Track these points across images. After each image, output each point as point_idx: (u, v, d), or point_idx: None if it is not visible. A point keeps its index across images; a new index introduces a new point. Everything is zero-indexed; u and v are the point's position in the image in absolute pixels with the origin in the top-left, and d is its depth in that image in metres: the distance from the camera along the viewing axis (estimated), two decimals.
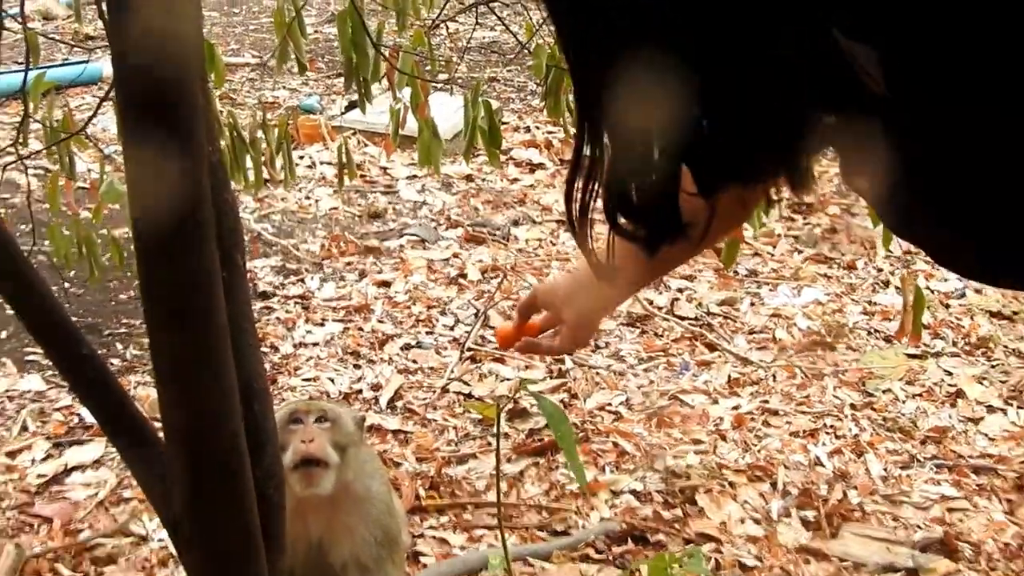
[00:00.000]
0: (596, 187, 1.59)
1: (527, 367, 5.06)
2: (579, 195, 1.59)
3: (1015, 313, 5.46)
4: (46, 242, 4.00)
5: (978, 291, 5.68)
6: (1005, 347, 5.19)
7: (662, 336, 5.30)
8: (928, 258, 1.78)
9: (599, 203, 1.61)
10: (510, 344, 2.42)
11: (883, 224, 1.73)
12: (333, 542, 3.24)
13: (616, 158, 1.57)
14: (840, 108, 1.50)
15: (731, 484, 4.24)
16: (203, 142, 1.68)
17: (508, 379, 4.95)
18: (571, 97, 3.56)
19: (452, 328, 5.43)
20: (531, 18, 5.17)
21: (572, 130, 3.16)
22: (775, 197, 1.88)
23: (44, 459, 4.47)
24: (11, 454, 4.49)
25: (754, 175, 1.69)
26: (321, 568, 3.27)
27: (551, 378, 4.98)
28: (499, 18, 4.16)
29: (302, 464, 2.99)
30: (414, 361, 5.15)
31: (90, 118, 3.75)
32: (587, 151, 1.57)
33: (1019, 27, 1.21)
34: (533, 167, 7.43)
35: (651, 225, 1.65)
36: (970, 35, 1.25)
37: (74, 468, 4.40)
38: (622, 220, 1.62)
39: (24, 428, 4.66)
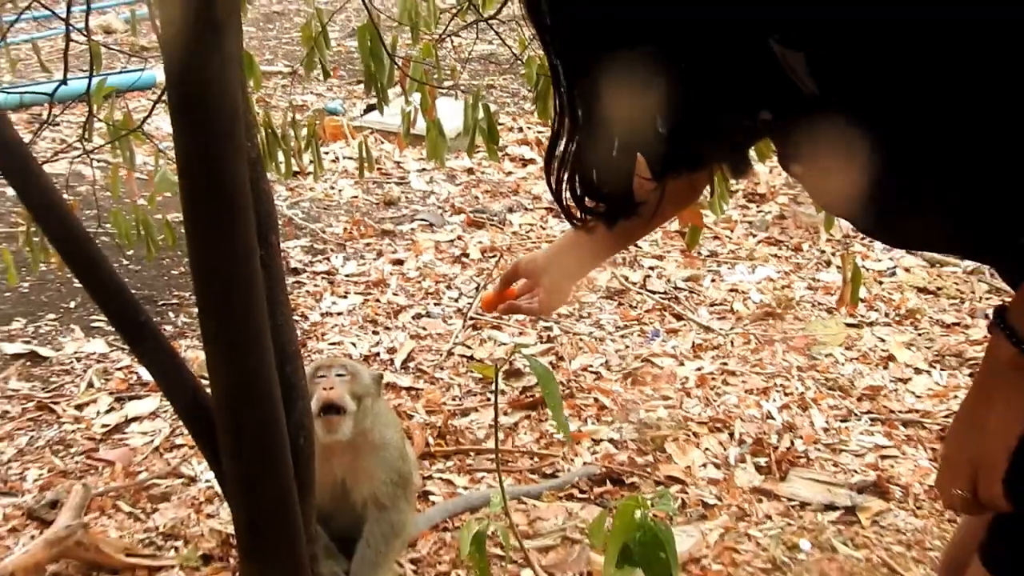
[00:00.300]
0: (566, 170, 1.72)
1: (521, 334, 5.06)
2: (555, 176, 1.74)
3: (939, 288, 5.47)
4: (108, 225, 3.98)
5: (907, 269, 5.69)
6: (930, 318, 5.19)
7: (636, 307, 5.30)
8: (860, 235, 1.87)
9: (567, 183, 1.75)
10: (492, 307, 2.49)
11: (816, 203, 1.79)
12: (354, 483, 3.25)
13: (583, 150, 1.69)
14: (776, 106, 1.58)
15: (695, 434, 4.24)
16: (242, 140, 1.67)
17: (504, 344, 4.95)
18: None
19: (456, 300, 5.42)
20: (524, 34, 5.16)
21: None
22: (730, 188, 2.00)
23: (107, 411, 4.46)
24: (79, 407, 4.49)
25: (699, 163, 1.87)
26: (344, 505, 3.28)
27: (541, 343, 4.99)
28: (496, 33, 4.15)
29: (324, 411, 3.01)
30: (424, 328, 5.15)
31: (145, 118, 3.73)
32: (562, 143, 1.70)
33: (901, 42, 1.32)
34: (525, 162, 7.43)
35: (609, 203, 1.79)
36: (876, 45, 1.34)
37: (133, 419, 4.40)
38: (587, 199, 1.76)
39: (90, 385, 4.66)
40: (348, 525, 3.31)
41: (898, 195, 1.51)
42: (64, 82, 3.47)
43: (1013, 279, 1.60)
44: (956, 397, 4.49)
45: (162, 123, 6.20)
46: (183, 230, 1.73)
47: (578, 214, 1.79)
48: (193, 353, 4.66)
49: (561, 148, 1.70)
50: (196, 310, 1.77)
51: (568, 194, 1.76)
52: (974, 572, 1.68)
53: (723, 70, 1.52)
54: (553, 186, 1.74)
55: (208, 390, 1.87)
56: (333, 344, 4.99)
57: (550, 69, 1.65)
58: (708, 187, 2.27)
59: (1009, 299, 1.53)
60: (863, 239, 6.05)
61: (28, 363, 4.83)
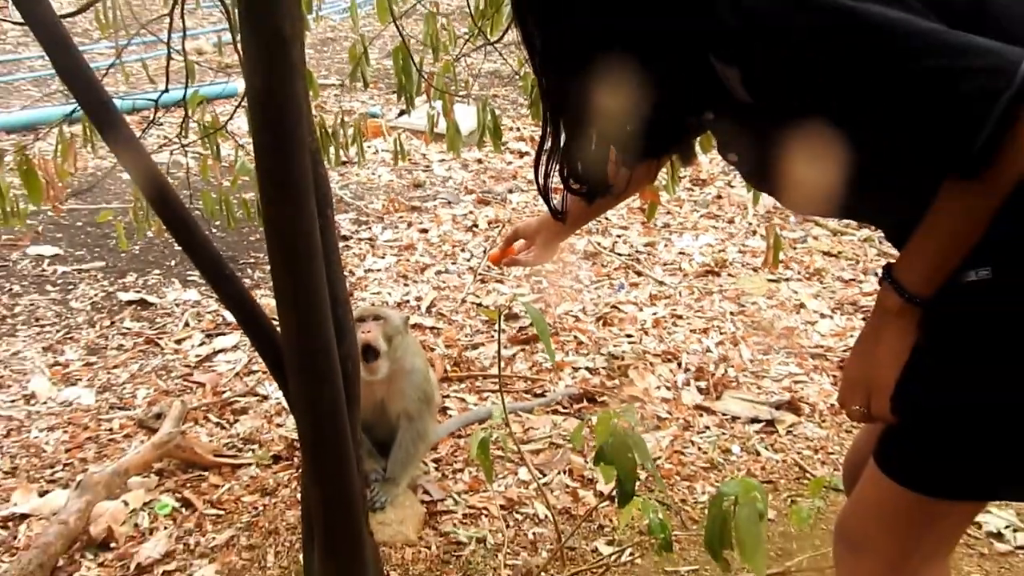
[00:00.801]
0: (554, 162, 1.78)
1: (518, 286, 5.06)
2: (543, 168, 1.80)
3: (839, 252, 5.46)
4: (199, 203, 3.97)
5: (815, 238, 5.68)
6: (832, 275, 5.19)
7: (606, 266, 5.29)
8: (779, 208, 1.95)
9: (556, 172, 1.81)
10: (497, 262, 2.55)
11: (747, 183, 1.82)
12: (390, 401, 3.27)
13: (569, 144, 1.74)
14: (716, 109, 1.65)
15: (651, 364, 4.24)
16: (305, 135, 1.67)
17: (505, 294, 4.95)
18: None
19: (469, 260, 5.41)
20: (521, 55, 5.14)
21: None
22: (680, 174, 2.08)
23: (200, 345, 4.47)
24: (178, 341, 4.49)
25: (659, 153, 1.93)
26: (383, 418, 3.31)
27: (533, 293, 4.98)
28: (500, 54, 4.13)
29: (364, 352, 3.03)
30: (443, 282, 5.15)
31: (228, 119, 3.72)
32: (549, 140, 1.76)
33: (805, 66, 1.42)
34: (522, 154, 7.40)
35: (590, 185, 1.83)
36: (785, 67, 1.45)
37: (219, 351, 4.41)
38: (572, 182, 1.83)
39: (186, 324, 4.66)
40: (385, 433, 3.33)
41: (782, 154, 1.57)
42: (166, 91, 3.45)
43: (898, 242, 1.62)
44: (852, 336, 4.49)
45: (241, 123, 6.16)
46: (256, 206, 1.73)
47: (555, 201, 1.90)
48: (266, 300, 4.66)
49: (548, 146, 1.76)
50: (269, 267, 1.77)
51: (555, 180, 1.82)
52: (869, 470, 1.69)
53: (676, 80, 1.59)
54: (540, 178, 1.81)
55: (277, 328, 1.87)
56: (374, 294, 4.99)
57: (538, 84, 1.71)
58: (663, 171, 2.33)
59: (894, 259, 1.57)
60: (782, 212, 6.04)
61: (139, 308, 4.83)
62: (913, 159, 1.47)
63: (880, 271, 1.57)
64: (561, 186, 1.88)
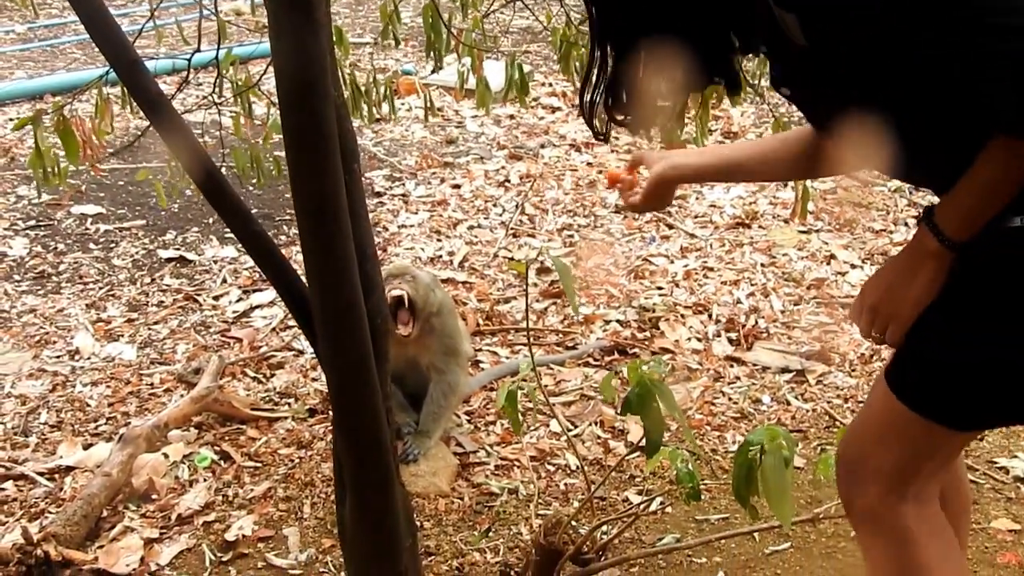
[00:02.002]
0: (600, 90, 1.71)
1: (549, 240, 5.03)
2: (588, 97, 1.73)
3: (870, 203, 5.38)
4: (232, 161, 3.97)
5: (846, 189, 5.60)
6: (863, 225, 5.12)
7: (637, 219, 5.25)
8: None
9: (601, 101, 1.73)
10: (613, 183, 2.17)
11: (805, 116, 1.78)
12: (420, 354, 3.27)
13: (616, 70, 1.68)
14: (771, 46, 1.63)
15: (682, 316, 4.21)
16: (330, 89, 1.64)
17: (536, 248, 4.92)
18: (576, 64, 3.50)
19: (500, 215, 5.38)
20: (551, 10, 5.07)
21: (579, 84, 3.09)
22: (707, 127, 2.01)
23: (237, 301, 4.48)
24: (216, 297, 4.51)
25: (707, 82, 1.75)
26: (414, 371, 3.30)
27: (565, 247, 4.95)
28: (531, 11, 4.08)
29: (394, 312, 3.07)
30: (476, 236, 5.12)
31: (260, 76, 3.70)
32: (595, 67, 1.70)
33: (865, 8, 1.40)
34: (554, 109, 7.34)
35: (634, 117, 1.74)
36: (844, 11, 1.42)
37: (256, 307, 4.42)
38: (616, 112, 1.74)
39: (224, 280, 4.67)
40: (417, 386, 3.33)
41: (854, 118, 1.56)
42: (197, 50, 3.44)
43: (940, 192, 1.62)
44: None
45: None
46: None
47: (602, 127, 1.76)
48: (300, 257, 4.67)
49: (594, 74, 1.70)
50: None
51: (599, 110, 1.74)
52: (877, 392, 1.71)
53: (733, 19, 1.60)
54: (585, 106, 1.74)
55: (307, 284, 1.86)
56: (407, 249, 4.97)
57: (589, 20, 1.67)
58: (692, 124, 2.23)
59: (936, 201, 1.59)
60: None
61: (178, 265, 4.85)
62: (970, 119, 1.45)
63: (923, 210, 1.58)
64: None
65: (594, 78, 1.71)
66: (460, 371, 3.35)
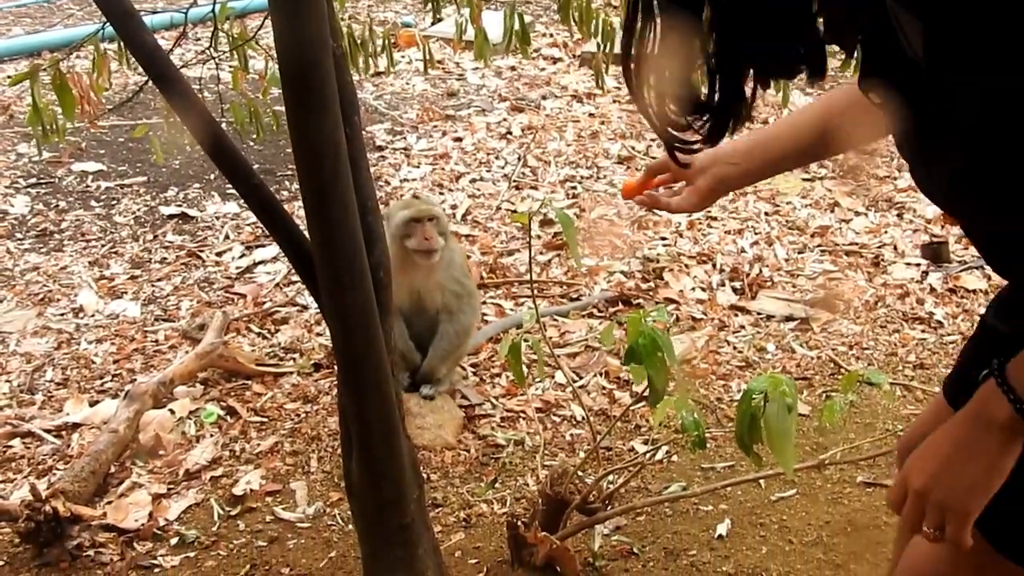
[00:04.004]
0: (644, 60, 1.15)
1: (552, 192, 5.00)
2: (633, 65, 1.15)
3: (874, 150, 5.35)
4: (231, 116, 3.94)
5: None
6: (868, 173, 5.09)
7: (640, 169, 5.21)
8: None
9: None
10: (631, 195, 1.84)
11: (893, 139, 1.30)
12: (428, 293, 3.26)
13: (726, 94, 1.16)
14: (873, 49, 1.19)
15: (686, 265, 4.20)
16: (328, 39, 1.62)
17: (539, 200, 4.90)
18: (575, 13, 3.44)
19: (503, 168, 5.35)
20: None
21: (578, 34, 3.04)
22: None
23: (240, 257, 4.47)
24: (219, 254, 4.50)
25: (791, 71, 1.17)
26: (420, 311, 3.30)
27: (567, 198, 4.93)
28: None
29: (425, 248, 3.10)
30: (478, 189, 5.10)
31: (257, 30, 3.66)
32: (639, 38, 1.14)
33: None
34: (555, 60, 7.28)
35: (717, 111, 1.18)
36: (1004, 22, 0.96)
37: (259, 262, 4.41)
38: (686, 113, 1.20)
39: (226, 237, 4.66)
40: (424, 328, 3.31)
41: (962, 169, 1.13)
42: (194, 3, 3.39)
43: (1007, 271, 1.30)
44: (887, 232, 4.42)
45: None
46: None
47: (664, 125, 1.21)
48: (304, 213, 4.66)
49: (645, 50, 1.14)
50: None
51: (657, 104, 1.19)
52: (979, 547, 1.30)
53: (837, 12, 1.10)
54: (631, 81, 1.18)
55: (308, 237, 1.85)
56: None
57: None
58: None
59: (1015, 357, 1.18)
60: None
61: (180, 221, 4.83)
62: None
63: (994, 366, 1.19)
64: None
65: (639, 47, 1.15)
66: (471, 311, 3.32)
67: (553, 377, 3.45)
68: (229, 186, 5.05)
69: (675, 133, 1.22)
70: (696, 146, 1.25)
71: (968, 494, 1.20)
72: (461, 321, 3.28)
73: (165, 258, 4.46)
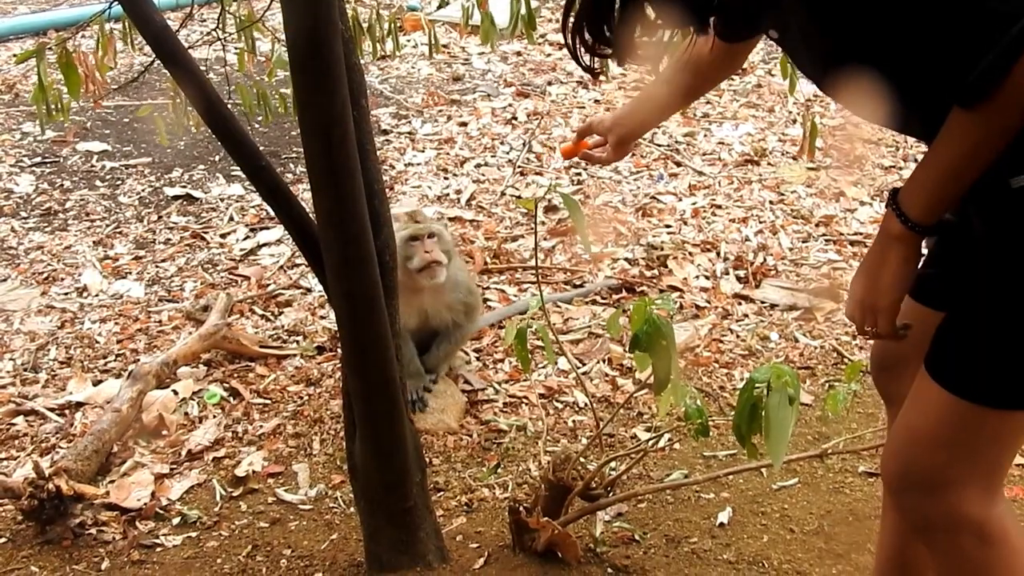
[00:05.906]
0: (582, 19, 1.61)
1: (557, 178, 4.99)
2: (571, 23, 1.62)
3: (880, 139, 5.34)
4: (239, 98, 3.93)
5: (855, 125, 5.55)
6: (872, 162, 5.08)
7: (645, 156, 5.21)
8: (819, 98, 1.83)
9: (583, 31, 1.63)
10: (570, 156, 2.34)
11: (793, 63, 1.75)
12: (435, 312, 3.24)
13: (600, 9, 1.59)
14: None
15: (690, 253, 4.19)
16: (337, 21, 1.62)
17: (543, 186, 4.89)
18: None
19: (508, 153, 5.34)
20: None
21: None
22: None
23: (244, 239, 4.47)
24: (223, 235, 4.50)
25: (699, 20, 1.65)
26: (426, 328, 3.28)
27: (572, 184, 4.92)
28: None
29: (427, 266, 3.05)
30: (483, 174, 5.09)
31: (265, 11, 3.65)
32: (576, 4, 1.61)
33: None
34: (561, 46, 7.25)
35: (616, 48, 1.64)
36: None
37: (264, 244, 4.41)
38: (598, 44, 1.64)
39: (231, 218, 4.66)
40: (429, 339, 3.32)
41: (842, 66, 1.51)
42: None
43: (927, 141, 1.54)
44: None
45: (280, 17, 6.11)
46: (295, 101, 1.69)
47: (586, 58, 1.66)
48: (308, 195, 4.66)
49: (576, 8, 1.61)
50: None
51: (580, 42, 1.64)
52: (920, 392, 1.58)
53: None
54: (568, 36, 1.64)
55: (315, 219, 1.84)
56: (414, 187, 4.94)
57: None
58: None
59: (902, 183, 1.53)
60: (822, 100, 5.90)
61: (185, 203, 4.84)
62: (936, 79, 1.41)
63: (888, 193, 1.53)
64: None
65: (575, 10, 1.62)
66: (472, 323, 3.37)
67: (556, 363, 3.45)
68: (234, 168, 5.06)
69: (585, 57, 1.66)
70: (598, 68, 1.74)
71: (884, 294, 1.55)
72: (467, 328, 3.33)
73: (169, 239, 4.46)
